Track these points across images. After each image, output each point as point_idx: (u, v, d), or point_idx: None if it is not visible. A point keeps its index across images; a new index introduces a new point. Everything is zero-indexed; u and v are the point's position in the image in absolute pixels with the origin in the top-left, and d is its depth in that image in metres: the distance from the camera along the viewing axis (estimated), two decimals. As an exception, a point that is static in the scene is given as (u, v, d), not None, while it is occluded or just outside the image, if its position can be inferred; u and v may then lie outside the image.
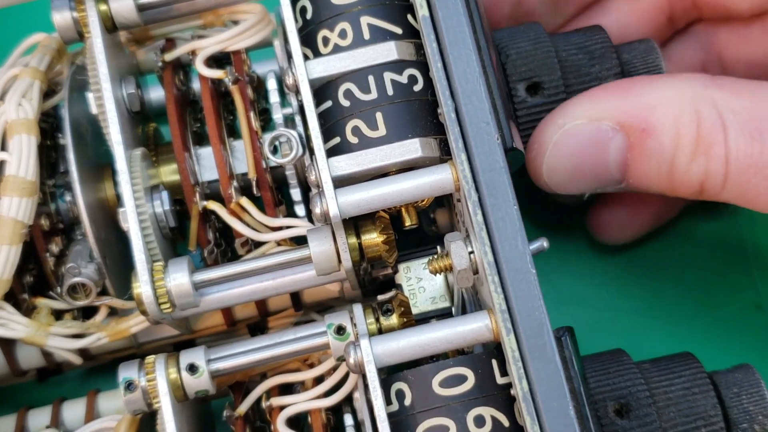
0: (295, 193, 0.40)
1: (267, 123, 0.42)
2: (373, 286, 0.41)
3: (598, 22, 0.44)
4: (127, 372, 0.35)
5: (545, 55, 0.40)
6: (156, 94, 0.45)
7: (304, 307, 0.42)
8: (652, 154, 0.37)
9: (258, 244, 0.39)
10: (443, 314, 0.39)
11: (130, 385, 0.35)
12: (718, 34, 0.45)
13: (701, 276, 0.46)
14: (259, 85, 0.42)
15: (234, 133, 0.42)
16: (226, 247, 0.41)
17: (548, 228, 0.47)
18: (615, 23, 0.45)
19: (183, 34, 0.42)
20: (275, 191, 0.40)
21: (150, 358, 0.36)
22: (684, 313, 0.45)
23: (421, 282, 0.39)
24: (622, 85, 0.38)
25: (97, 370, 0.46)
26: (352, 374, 0.37)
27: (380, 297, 0.39)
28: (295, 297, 0.41)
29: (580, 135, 0.37)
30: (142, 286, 0.35)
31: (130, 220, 0.35)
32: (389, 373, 0.33)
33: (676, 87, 0.37)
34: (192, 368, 0.35)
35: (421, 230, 0.42)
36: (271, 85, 0.40)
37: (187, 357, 0.36)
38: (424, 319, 0.39)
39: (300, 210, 0.40)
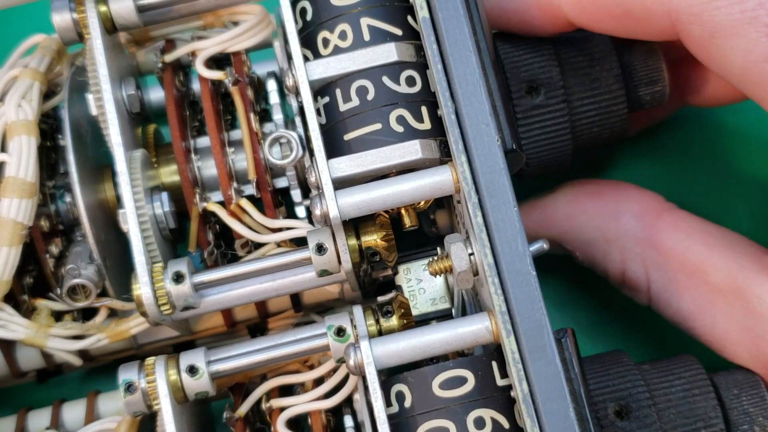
0: (296, 195, 0.40)
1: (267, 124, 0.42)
2: (373, 288, 0.41)
3: None
4: (126, 374, 0.35)
5: (545, 57, 0.40)
6: (156, 95, 0.45)
7: (304, 309, 0.42)
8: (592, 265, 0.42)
9: (258, 246, 0.39)
10: (443, 316, 0.39)
11: (130, 387, 0.35)
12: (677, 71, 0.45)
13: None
14: (259, 86, 0.42)
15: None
16: (226, 248, 0.41)
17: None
18: None
19: (183, 35, 0.42)
20: (275, 192, 0.40)
21: (150, 360, 0.36)
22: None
23: (421, 283, 0.39)
24: (568, 210, 0.43)
25: (97, 372, 0.46)
26: (352, 376, 0.37)
27: (380, 298, 0.39)
28: (295, 298, 0.41)
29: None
30: (142, 288, 0.35)
31: (129, 221, 0.35)
32: (389, 375, 0.33)
33: (610, 234, 0.41)
34: (192, 370, 0.35)
35: (421, 231, 0.42)
36: (271, 86, 0.40)
37: (187, 358, 0.36)
38: (424, 320, 0.39)
39: (300, 211, 0.40)
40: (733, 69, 0.34)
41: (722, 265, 0.37)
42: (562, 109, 0.40)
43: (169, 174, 0.41)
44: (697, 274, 0.38)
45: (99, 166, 0.41)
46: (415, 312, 0.39)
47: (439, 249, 0.40)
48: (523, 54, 0.40)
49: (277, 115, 0.40)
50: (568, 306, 0.46)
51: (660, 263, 0.39)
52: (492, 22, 0.41)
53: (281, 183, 0.40)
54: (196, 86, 0.43)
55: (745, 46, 0.33)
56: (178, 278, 0.35)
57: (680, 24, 0.35)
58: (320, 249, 0.35)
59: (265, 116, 0.42)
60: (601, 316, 0.46)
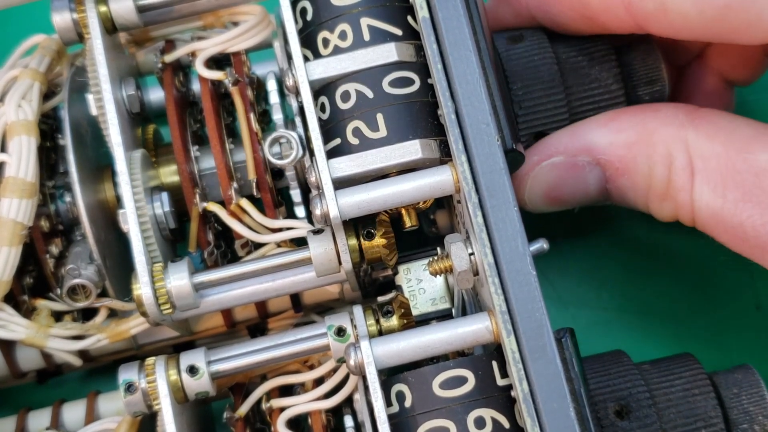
0: (295, 194, 0.40)
1: (267, 124, 0.42)
2: (373, 288, 0.41)
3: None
4: (127, 374, 0.35)
5: (545, 57, 0.40)
6: (156, 95, 0.45)
7: (304, 309, 0.42)
8: (626, 189, 0.38)
9: (258, 246, 0.39)
10: (443, 316, 0.39)
11: (130, 387, 0.35)
12: None
13: (701, 276, 0.46)
14: (259, 87, 0.42)
15: (234, 134, 0.42)
16: (226, 248, 0.41)
17: (548, 229, 0.47)
18: None
19: (183, 36, 0.42)
20: (275, 192, 0.40)
21: (150, 360, 0.36)
22: (684, 314, 0.45)
23: (421, 283, 0.39)
24: (600, 120, 0.38)
25: (97, 372, 0.46)
26: (352, 376, 0.37)
27: (380, 298, 0.39)
28: (295, 298, 0.41)
29: (558, 170, 0.38)
30: (142, 288, 0.35)
31: (130, 221, 0.35)
32: (389, 375, 0.33)
33: (651, 125, 0.37)
34: (192, 370, 0.35)
35: (421, 231, 0.42)
36: (271, 86, 0.40)
37: (187, 359, 0.36)
38: (425, 320, 0.39)
39: (300, 211, 0.40)
40: (692, 19, 0.34)
41: None
42: (562, 108, 0.40)
43: (169, 174, 0.41)
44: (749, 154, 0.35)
45: (99, 166, 0.41)
46: (415, 312, 0.39)
47: (439, 249, 0.40)
48: (523, 54, 0.40)
49: (277, 115, 0.40)
50: (568, 306, 0.46)
51: (704, 150, 0.36)
52: None
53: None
54: (196, 86, 0.43)
55: None
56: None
57: (634, 6, 0.36)
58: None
59: (265, 116, 0.42)
60: (601, 316, 0.46)
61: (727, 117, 0.36)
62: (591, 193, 0.38)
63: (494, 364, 0.33)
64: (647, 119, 0.37)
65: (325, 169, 0.33)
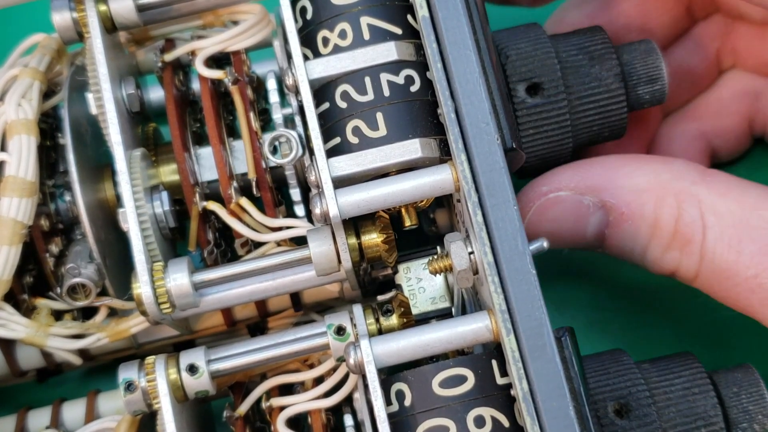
0: (295, 194, 0.40)
1: (267, 123, 0.42)
2: (373, 287, 0.41)
3: (618, 8, 0.45)
4: (127, 373, 0.35)
5: (545, 56, 0.40)
6: (156, 94, 0.45)
7: (303, 308, 0.42)
8: (628, 235, 0.38)
9: (258, 245, 0.39)
10: (443, 314, 0.39)
11: (130, 386, 0.35)
12: (734, 27, 0.46)
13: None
14: (259, 86, 0.42)
15: (234, 133, 0.42)
16: (226, 247, 0.41)
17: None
18: (635, 9, 0.45)
19: (182, 35, 0.42)
20: (275, 192, 0.40)
21: (150, 359, 0.36)
22: (684, 313, 0.45)
23: (420, 282, 0.39)
24: (612, 163, 0.38)
25: (97, 371, 0.46)
26: (352, 375, 0.37)
27: (380, 297, 0.39)
28: (295, 297, 0.41)
29: (563, 204, 0.38)
30: (142, 287, 0.35)
31: (129, 220, 0.35)
32: (389, 374, 0.33)
33: (664, 177, 0.37)
34: (192, 369, 0.35)
35: (421, 230, 0.42)
36: (271, 85, 0.40)
37: (187, 357, 0.36)
38: (424, 319, 0.39)
39: (300, 210, 0.40)
40: None
41: None
42: (563, 108, 0.40)
43: (169, 173, 0.41)
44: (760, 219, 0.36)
45: (99, 165, 0.41)
46: (415, 311, 0.39)
47: (438, 248, 0.40)
48: (523, 53, 0.40)
49: (277, 114, 0.40)
50: (568, 305, 0.46)
51: (718, 207, 0.36)
52: None
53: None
54: (195, 86, 0.43)
55: None
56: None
57: None
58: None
59: (264, 115, 0.42)
60: (601, 315, 0.46)
61: (736, 179, 0.37)
62: (587, 236, 0.39)
63: (494, 362, 0.33)
64: (660, 170, 0.37)
65: (325, 168, 0.33)
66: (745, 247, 0.35)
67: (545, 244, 0.34)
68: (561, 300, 0.46)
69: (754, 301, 0.36)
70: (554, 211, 0.38)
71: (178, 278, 0.35)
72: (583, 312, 0.46)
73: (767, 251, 0.35)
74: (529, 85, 0.40)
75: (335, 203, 0.33)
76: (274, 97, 0.40)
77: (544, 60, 0.40)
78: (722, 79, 0.47)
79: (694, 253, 0.36)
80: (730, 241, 0.36)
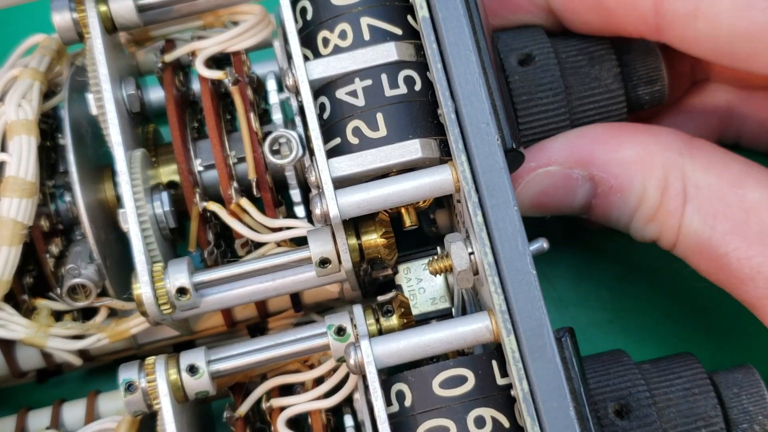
0: (295, 194, 0.40)
1: (267, 123, 0.42)
2: (373, 287, 0.41)
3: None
4: (127, 373, 0.35)
5: (545, 57, 0.40)
6: (156, 94, 0.45)
7: (304, 308, 0.42)
8: (614, 206, 0.38)
9: (258, 245, 0.39)
10: (443, 315, 0.39)
11: (130, 387, 0.35)
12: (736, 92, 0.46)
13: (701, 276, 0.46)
14: (259, 86, 0.42)
15: (234, 131, 0.42)
16: (226, 247, 0.41)
17: (547, 228, 0.47)
18: None
19: (183, 35, 0.42)
20: (275, 192, 0.40)
21: (150, 360, 0.36)
22: (684, 313, 0.45)
23: (421, 283, 0.39)
24: (600, 135, 0.39)
25: (97, 371, 0.46)
26: (352, 375, 0.37)
27: (380, 298, 0.39)
28: (295, 298, 0.41)
29: (552, 178, 0.39)
30: (142, 287, 0.35)
31: (130, 221, 0.35)
32: (389, 374, 0.33)
33: (652, 149, 0.38)
34: (192, 369, 0.35)
35: (421, 231, 0.42)
36: (271, 85, 0.40)
37: (187, 358, 0.36)
38: (425, 319, 0.39)
39: (300, 211, 0.40)
40: (720, 34, 0.35)
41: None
42: (562, 107, 0.40)
43: (169, 173, 0.41)
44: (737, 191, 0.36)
45: (99, 165, 0.41)
46: (415, 311, 0.39)
47: (439, 248, 0.40)
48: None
49: (277, 115, 0.40)
50: (568, 305, 0.46)
51: (699, 180, 0.37)
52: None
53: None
54: (196, 86, 0.43)
55: (732, 4, 0.34)
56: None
57: (663, 6, 0.36)
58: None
59: (264, 116, 0.42)
60: (600, 315, 0.46)
61: (721, 151, 0.38)
62: (574, 206, 0.39)
63: (494, 363, 0.33)
64: (648, 142, 0.38)
65: (325, 169, 0.33)
66: (718, 224, 0.36)
67: (545, 245, 0.34)
68: (561, 300, 0.46)
69: (722, 278, 0.36)
70: (543, 184, 0.39)
71: (179, 279, 0.35)
72: (584, 312, 0.46)
73: (738, 230, 0.36)
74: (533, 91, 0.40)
75: (335, 204, 0.33)
76: (273, 98, 0.40)
77: (544, 61, 0.40)
78: (695, 90, 0.46)
79: (673, 226, 0.37)
80: (705, 217, 0.36)
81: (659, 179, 0.37)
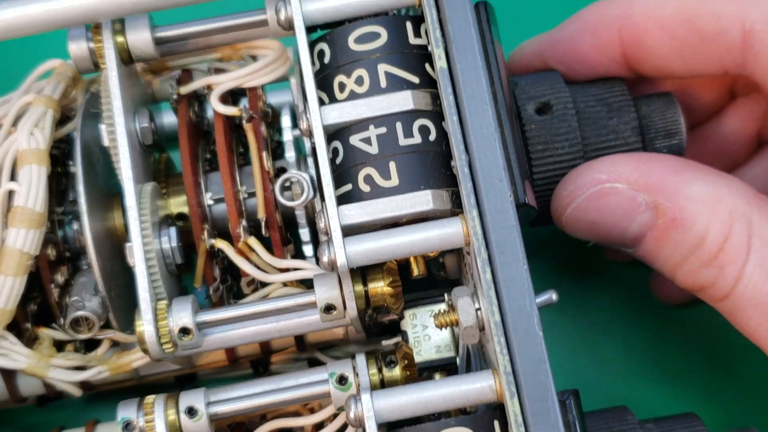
0: (304, 233, 0.40)
1: (280, 157, 0.42)
2: (377, 329, 0.40)
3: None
4: (125, 411, 0.35)
5: (563, 107, 0.40)
6: (169, 119, 0.45)
7: (307, 347, 0.41)
8: (671, 242, 0.36)
9: (264, 284, 0.39)
10: (447, 364, 0.39)
11: (128, 426, 0.35)
12: None
13: (711, 334, 0.45)
14: (274, 118, 0.42)
15: (246, 164, 0.42)
16: (233, 281, 0.41)
17: (556, 279, 0.47)
18: (674, 87, 0.44)
19: (200, 66, 0.42)
20: (284, 230, 0.40)
21: (149, 399, 0.35)
22: (690, 372, 0.45)
23: (426, 330, 0.39)
24: (672, 164, 0.37)
25: (98, 397, 0.45)
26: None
27: (384, 343, 0.39)
28: (299, 338, 0.41)
29: (616, 197, 0.37)
30: (144, 325, 0.35)
31: (136, 257, 0.35)
32: (389, 429, 0.33)
33: (722, 192, 0.36)
34: (191, 411, 0.35)
35: (430, 275, 0.42)
36: (285, 122, 0.40)
37: (186, 399, 0.35)
38: (428, 367, 0.39)
39: (308, 250, 0.40)
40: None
41: None
42: (578, 159, 0.40)
43: (178, 204, 0.41)
44: None
45: (109, 193, 0.40)
46: (418, 359, 0.38)
47: (446, 295, 0.39)
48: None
49: (290, 153, 0.40)
50: (572, 360, 0.46)
51: (765, 233, 0.35)
52: (540, 56, 0.41)
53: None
54: (210, 114, 0.42)
55: None
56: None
57: (753, 36, 0.35)
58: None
59: (278, 148, 0.42)
60: (605, 370, 0.46)
61: None
62: (626, 235, 0.37)
63: (496, 423, 0.32)
64: (719, 184, 0.36)
65: (335, 216, 0.33)
66: None
67: (554, 297, 0.34)
68: (566, 355, 0.46)
69: None
70: (605, 201, 0.37)
71: (182, 318, 0.35)
72: (588, 368, 0.46)
73: None
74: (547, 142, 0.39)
75: (343, 252, 0.33)
76: (288, 135, 0.40)
77: (561, 111, 0.40)
78: (762, 155, 0.45)
79: (732, 275, 0.35)
80: None
81: (724, 224, 0.35)
